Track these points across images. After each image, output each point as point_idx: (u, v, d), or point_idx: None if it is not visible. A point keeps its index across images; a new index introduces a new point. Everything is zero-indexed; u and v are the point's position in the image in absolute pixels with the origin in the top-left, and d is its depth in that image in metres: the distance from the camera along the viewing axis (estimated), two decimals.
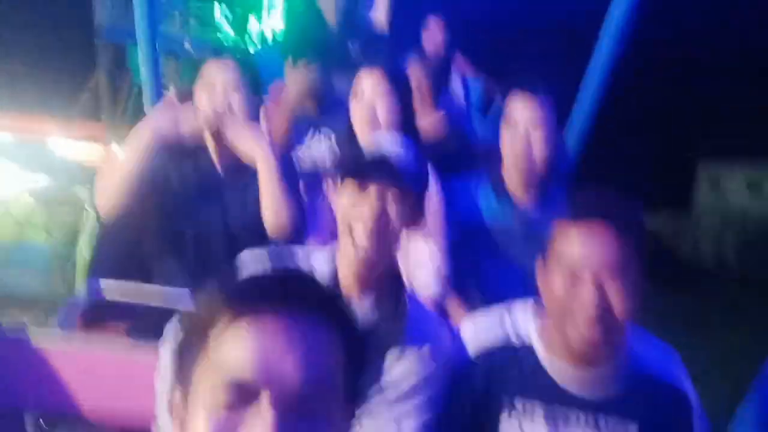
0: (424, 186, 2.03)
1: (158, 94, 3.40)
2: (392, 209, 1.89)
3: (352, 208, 1.89)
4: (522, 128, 2.65)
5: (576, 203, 1.79)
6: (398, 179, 1.88)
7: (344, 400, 0.99)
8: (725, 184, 23.09)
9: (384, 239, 1.89)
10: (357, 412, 1.05)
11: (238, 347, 0.94)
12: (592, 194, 1.78)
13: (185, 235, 2.66)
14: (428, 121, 3.47)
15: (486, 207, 2.80)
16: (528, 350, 1.85)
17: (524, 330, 1.88)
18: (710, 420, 1.96)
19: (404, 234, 1.97)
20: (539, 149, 2.66)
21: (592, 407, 1.79)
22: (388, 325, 1.89)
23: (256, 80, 2.70)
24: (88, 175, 6.76)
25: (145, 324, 2.41)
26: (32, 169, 6.46)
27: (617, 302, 1.66)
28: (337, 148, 2.83)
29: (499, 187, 2.77)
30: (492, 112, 4.29)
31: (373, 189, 1.88)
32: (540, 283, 1.81)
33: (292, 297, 0.97)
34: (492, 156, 3.02)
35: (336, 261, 1.95)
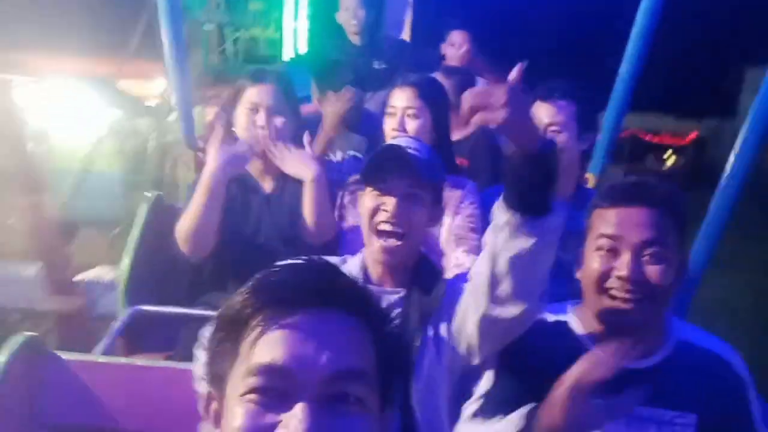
0: (441, 179, 2.04)
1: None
2: (412, 202, 1.92)
3: (375, 205, 1.92)
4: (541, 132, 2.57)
5: (614, 186, 1.76)
6: (415, 174, 1.90)
7: (379, 395, 0.96)
8: None
9: (407, 229, 1.90)
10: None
11: (270, 338, 0.90)
12: (632, 178, 1.77)
13: (234, 252, 2.64)
14: (462, 134, 3.39)
15: None
16: (563, 325, 1.81)
17: (560, 313, 1.85)
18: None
19: (430, 225, 2.02)
20: (561, 153, 2.56)
21: (634, 375, 1.67)
22: (425, 310, 1.87)
23: (295, 103, 2.72)
24: (149, 110, 6.85)
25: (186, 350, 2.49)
26: (98, 106, 6.55)
27: (654, 273, 1.63)
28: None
29: None
30: None
31: (392, 185, 1.91)
32: (579, 271, 1.79)
33: (325, 291, 0.94)
34: None
35: (365, 261, 1.98)
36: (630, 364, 1.65)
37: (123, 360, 2.26)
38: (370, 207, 1.93)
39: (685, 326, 1.82)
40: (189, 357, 2.34)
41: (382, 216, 1.90)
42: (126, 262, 2.65)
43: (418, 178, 1.91)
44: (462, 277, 1.92)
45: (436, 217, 2.04)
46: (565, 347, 1.73)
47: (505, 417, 1.66)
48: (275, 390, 0.88)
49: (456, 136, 3.25)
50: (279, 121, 2.62)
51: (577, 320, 1.80)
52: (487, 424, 1.70)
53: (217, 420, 0.95)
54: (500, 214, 1.56)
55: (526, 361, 1.74)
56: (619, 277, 1.63)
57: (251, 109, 2.61)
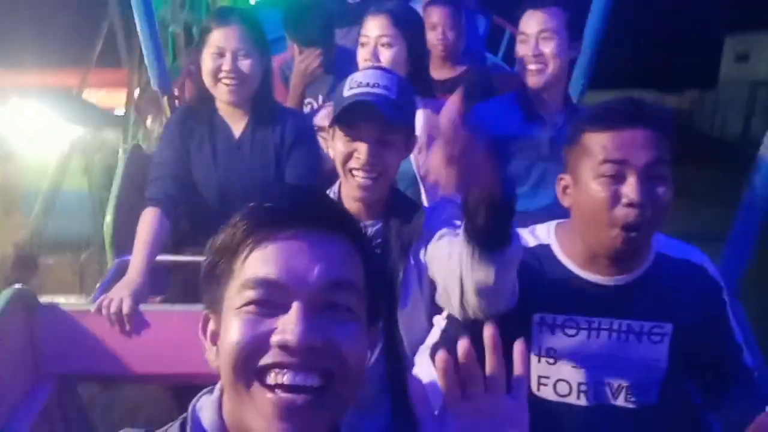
0: (413, 118, 2.04)
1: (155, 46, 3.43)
2: (384, 146, 1.93)
3: (347, 151, 1.93)
4: (533, 41, 2.68)
5: (609, 108, 1.70)
6: (384, 121, 1.89)
7: (366, 309, 1.02)
8: (753, 56, 22.51)
9: (381, 171, 1.93)
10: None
11: (263, 253, 0.96)
12: (624, 99, 1.71)
13: (207, 199, 2.72)
14: (453, 73, 3.49)
15: (514, 126, 2.81)
16: (545, 248, 1.81)
17: (543, 237, 1.84)
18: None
19: (405, 156, 2.04)
20: (553, 60, 2.68)
21: (617, 291, 1.74)
22: (404, 240, 1.95)
23: (264, 44, 2.69)
24: (118, 119, 6.84)
25: (175, 294, 2.64)
26: (63, 121, 6.58)
27: (661, 195, 1.62)
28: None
29: (524, 106, 2.83)
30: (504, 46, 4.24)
31: (362, 132, 1.92)
32: (568, 195, 1.77)
33: (314, 213, 1.00)
34: (511, 79, 3.06)
35: (340, 194, 2.02)
36: (610, 282, 1.74)
37: None
38: (343, 152, 1.95)
39: (662, 238, 1.84)
40: (179, 300, 2.48)
41: (354, 162, 1.93)
42: (109, 215, 2.78)
43: (389, 124, 1.90)
44: (442, 204, 2.00)
45: (409, 149, 2.05)
46: (548, 272, 1.77)
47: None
48: (269, 302, 0.94)
49: (446, 74, 3.36)
50: (246, 64, 2.61)
51: (559, 244, 1.81)
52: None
53: (214, 340, 1.01)
54: (462, 242, 1.57)
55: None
56: (629, 204, 1.60)
57: (217, 53, 2.60)
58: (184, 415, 1.03)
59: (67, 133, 6.77)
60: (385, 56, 2.71)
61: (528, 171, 2.80)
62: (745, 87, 19.02)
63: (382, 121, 1.88)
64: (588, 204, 1.67)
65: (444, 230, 1.87)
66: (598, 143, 1.65)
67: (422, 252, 1.92)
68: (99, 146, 6.80)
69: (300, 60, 3.14)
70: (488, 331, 1.03)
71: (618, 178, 1.62)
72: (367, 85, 1.93)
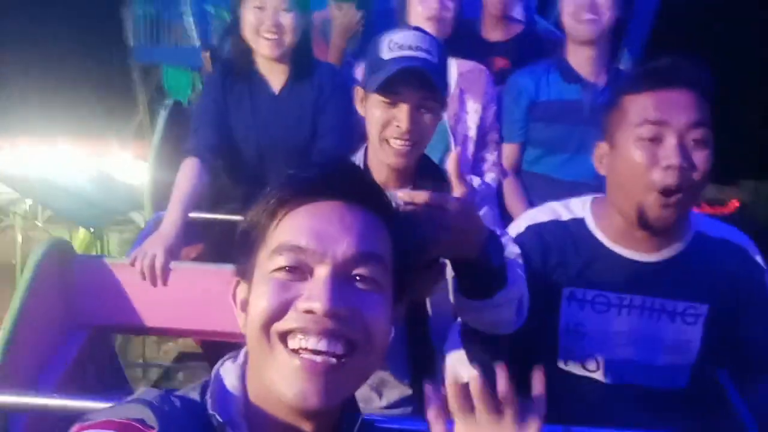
0: (446, 80, 1.99)
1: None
2: (423, 112, 1.88)
3: (386, 118, 1.87)
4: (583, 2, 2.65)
5: (649, 70, 1.66)
6: (428, 86, 1.85)
7: (393, 285, 1.03)
8: None
9: (418, 138, 1.89)
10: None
11: (295, 221, 0.99)
12: (664, 60, 1.65)
13: (245, 154, 2.73)
14: (503, 35, 3.39)
15: (556, 90, 2.81)
16: (579, 222, 1.77)
17: (578, 211, 1.80)
18: None
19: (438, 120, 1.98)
20: (608, 11, 2.64)
21: (652, 268, 1.70)
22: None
23: (304, 0, 2.70)
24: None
25: (211, 251, 2.64)
26: (94, 194, 6.40)
27: (699, 162, 1.56)
28: None
29: (567, 69, 2.78)
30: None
31: (405, 97, 1.86)
32: (605, 163, 1.72)
33: (349, 187, 1.02)
34: (555, 43, 3.01)
35: (368, 160, 1.98)
36: (645, 258, 1.70)
37: None
38: (382, 118, 1.88)
39: (700, 217, 1.81)
40: (215, 258, 2.49)
41: (394, 131, 1.87)
42: (150, 168, 2.80)
43: (432, 88, 1.86)
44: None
45: (441, 112, 1.99)
46: (581, 246, 1.74)
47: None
48: (298, 268, 0.97)
49: (496, 36, 3.31)
50: (287, 19, 2.62)
51: (594, 218, 1.77)
52: None
53: (244, 306, 1.03)
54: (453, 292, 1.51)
55: (543, 261, 1.74)
56: (667, 166, 1.54)
57: (258, 7, 2.61)
58: (206, 378, 1.04)
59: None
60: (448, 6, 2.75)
61: (568, 136, 2.78)
62: None
63: (426, 87, 1.84)
64: (625, 168, 1.62)
65: None
66: (637, 105, 1.61)
67: None
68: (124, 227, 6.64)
69: (341, 16, 3.14)
70: (500, 377, 1.02)
71: (657, 140, 1.56)
72: (410, 48, 1.86)
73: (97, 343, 2.41)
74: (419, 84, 1.83)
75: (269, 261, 0.98)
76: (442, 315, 1.87)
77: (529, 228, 1.79)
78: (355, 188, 1.03)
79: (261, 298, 0.97)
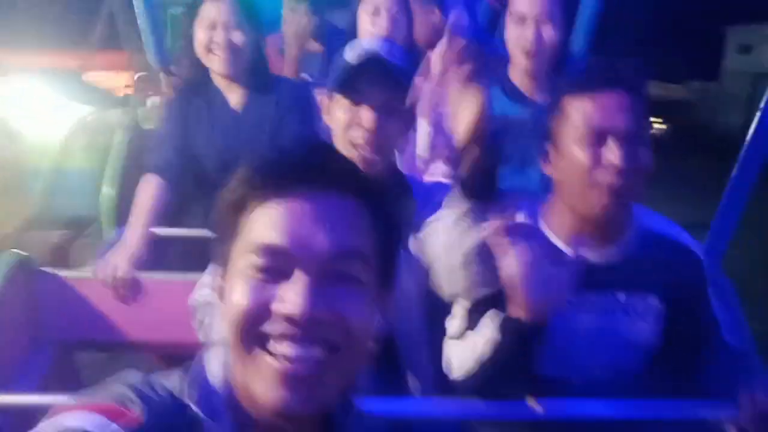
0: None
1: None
2: (389, 114, 1.85)
3: (349, 118, 1.85)
4: (532, 24, 2.57)
5: (586, 73, 1.72)
6: (394, 84, 1.84)
7: (376, 276, 0.98)
8: (756, 48, 22.45)
9: (384, 142, 1.87)
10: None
11: (270, 217, 0.93)
12: (602, 62, 1.72)
13: (207, 171, 2.71)
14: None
15: (499, 107, 2.78)
16: (530, 226, 1.76)
17: (527, 215, 1.82)
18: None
19: (405, 133, 2.00)
20: (552, 44, 2.60)
21: (604, 267, 1.74)
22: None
23: (255, 17, 2.72)
24: (120, 101, 6.87)
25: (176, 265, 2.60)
26: (66, 101, 6.60)
27: (642, 158, 1.62)
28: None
29: (511, 88, 2.80)
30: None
31: (369, 96, 1.83)
32: (551, 165, 1.75)
33: (325, 172, 0.96)
34: (498, 59, 3.05)
35: None
36: (596, 257, 1.72)
37: None
38: (345, 119, 1.85)
39: (645, 213, 1.86)
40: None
41: (357, 132, 1.84)
42: (106, 185, 2.82)
43: (396, 88, 1.84)
44: (434, 187, 2.01)
45: (409, 126, 2.00)
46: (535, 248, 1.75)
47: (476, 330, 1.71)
48: (274, 268, 0.92)
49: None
50: (237, 36, 2.63)
51: (545, 222, 1.80)
52: (465, 338, 1.75)
53: (222, 294, 0.99)
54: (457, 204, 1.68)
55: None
56: (610, 167, 1.60)
57: (209, 25, 2.62)
58: (189, 363, 1.01)
59: (69, 113, 6.79)
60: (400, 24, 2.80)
61: (517, 151, 2.80)
62: (748, 79, 19.04)
63: (390, 86, 1.83)
64: (570, 168, 1.66)
65: (438, 213, 1.84)
66: (578, 108, 1.65)
67: (412, 239, 1.88)
68: (102, 126, 6.82)
69: (293, 20, 3.14)
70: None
71: (599, 142, 1.62)
72: (373, 48, 1.89)
73: (62, 360, 2.39)
74: (383, 82, 1.82)
75: (243, 258, 0.93)
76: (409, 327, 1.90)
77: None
78: (334, 174, 0.96)
79: (236, 297, 0.92)
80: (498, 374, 1.62)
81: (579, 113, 1.65)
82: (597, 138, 1.62)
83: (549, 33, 2.61)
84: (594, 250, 1.73)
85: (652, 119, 3.10)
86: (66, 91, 6.79)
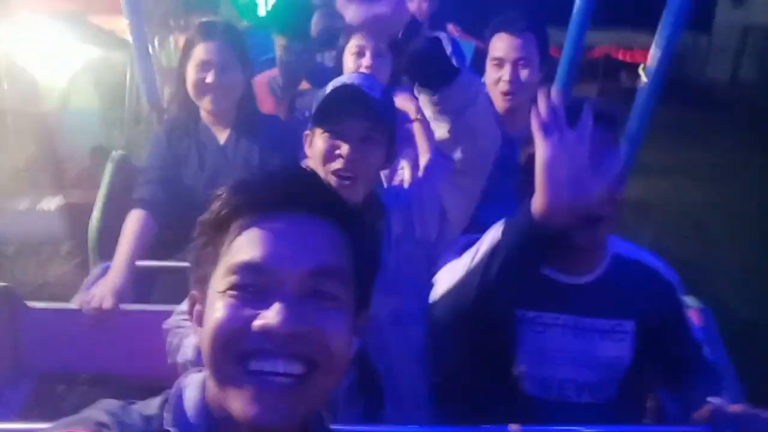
0: (395, 120, 2.00)
1: None
2: (368, 145, 1.87)
3: (329, 149, 1.86)
4: (509, 67, 2.68)
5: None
6: (372, 116, 1.85)
7: (354, 296, 1.00)
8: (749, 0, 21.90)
9: (363, 173, 1.88)
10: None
11: (250, 238, 0.95)
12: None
13: (194, 206, 2.70)
14: None
15: None
16: None
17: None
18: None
19: (385, 167, 2.04)
20: (529, 86, 2.67)
21: (580, 290, 1.80)
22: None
23: (246, 59, 2.75)
24: (125, 42, 6.82)
25: (161, 298, 2.59)
26: (71, 43, 6.55)
27: (615, 199, 1.69)
28: None
29: None
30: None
31: (347, 128, 1.85)
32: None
33: (303, 196, 0.98)
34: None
35: None
36: (573, 280, 1.79)
37: None
38: (324, 150, 1.85)
39: (616, 240, 1.88)
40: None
41: (336, 163, 1.84)
42: (95, 220, 2.80)
43: (375, 120, 1.85)
44: (395, 190, 2.08)
45: (390, 158, 1.99)
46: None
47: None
48: (254, 287, 0.92)
49: None
50: (228, 77, 2.65)
51: None
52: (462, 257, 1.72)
53: (200, 320, 0.99)
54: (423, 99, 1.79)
55: None
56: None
57: (201, 66, 2.63)
58: (168, 390, 1.01)
59: (75, 54, 6.80)
60: (367, 60, 2.82)
61: (501, 189, 2.77)
62: (738, 32, 18.86)
63: (368, 116, 1.83)
64: None
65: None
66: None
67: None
68: (107, 67, 6.78)
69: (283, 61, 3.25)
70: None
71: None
72: (350, 82, 1.91)
73: (42, 392, 2.37)
74: (361, 113, 1.83)
75: (223, 279, 0.94)
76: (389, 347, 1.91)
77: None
78: (313, 198, 0.98)
79: (215, 317, 0.93)
80: (495, 278, 1.58)
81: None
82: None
83: (525, 74, 2.68)
84: (572, 275, 1.79)
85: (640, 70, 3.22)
86: (73, 34, 6.70)
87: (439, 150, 1.97)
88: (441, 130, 1.85)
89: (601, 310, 1.80)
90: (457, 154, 1.90)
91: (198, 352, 1.62)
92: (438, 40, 1.75)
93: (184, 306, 1.82)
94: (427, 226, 2.02)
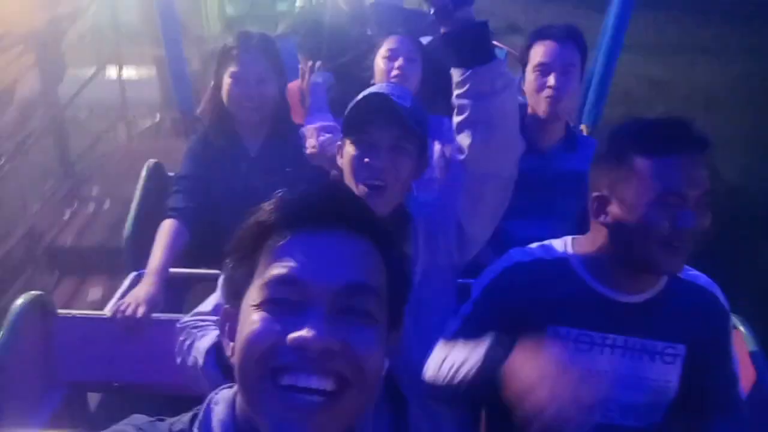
0: (426, 130, 1.98)
1: None
2: (397, 154, 1.86)
3: (359, 158, 1.86)
4: (555, 72, 2.67)
5: (656, 132, 1.66)
6: (402, 125, 1.84)
7: (387, 315, 0.99)
8: None
9: (392, 182, 1.87)
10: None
11: (286, 253, 0.94)
12: (670, 122, 1.66)
13: (226, 216, 2.74)
14: None
15: None
16: (563, 261, 1.78)
17: (560, 250, 1.80)
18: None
19: (415, 177, 1.98)
20: (572, 92, 2.71)
21: (634, 309, 1.73)
22: None
23: (280, 68, 2.79)
24: None
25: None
26: None
27: (701, 225, 1.60)
28: None
29: (525, 138, 2.81)
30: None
31: (377, 137, 1.85)
32: (610, 213, 1.70)
33: (342, 213, 0.97)
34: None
35: None
36: (627, 298, 1.71)
37: None
38: (352, 159, 1.86)
39: None
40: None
41: (366, 172, 1.84)
42: (128, 228, 2.81)
43: (405, 129, 1.84)
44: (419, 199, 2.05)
45: (421, 168, 1.97)
46: (565, 285, 1.74)
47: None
48: (289, 301, 0.92)
49: None
50: (264, 88, 2.69)
51: (579, 259, 1.77)
52: (465, 344, 1.69)
53: (232, 335, 0.98)
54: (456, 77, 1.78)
55: (528, 299, 1.74)
56: (683, 229, 1.60)
57: (238, 77, 2.67)
58: (199, 407, 1.00)
59: None
60: (399, 65, 2.90)
61: (531, 203, 2.75)
62: None
63: (398, 126, 1.83)
64: (639, 225, 1.61)
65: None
66: (653, 170, 1.60)
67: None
68: None
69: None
70: None
71: (676, 206, 1.58)
72: (380, 91, 1.91)
73: (73, 401, 2.35)
74: (390, 121, 1.82)
75: (258, 292, 0.93)
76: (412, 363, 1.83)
77: (513, 267, 1.79)
78: (349, 214, 0.98)
79: (249, 330, 0.92)
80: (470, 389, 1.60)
81: (656, 176, 1.60)
82: (677, 203, 1.58)
83: (570, 81, 2.67)
84: (627, 292, 1.71)
85: None
86: None
87: (457, 161, 1.95)
88: (461, 114, 1.83)
89: (654, 330, 1.73)
90: (467, 140, 1.85)
91: (206, 358, 1.64)
92: (485, 22, 1.76)
93: (204, 307, 1.86)
94: (447, 238, 2.00)
